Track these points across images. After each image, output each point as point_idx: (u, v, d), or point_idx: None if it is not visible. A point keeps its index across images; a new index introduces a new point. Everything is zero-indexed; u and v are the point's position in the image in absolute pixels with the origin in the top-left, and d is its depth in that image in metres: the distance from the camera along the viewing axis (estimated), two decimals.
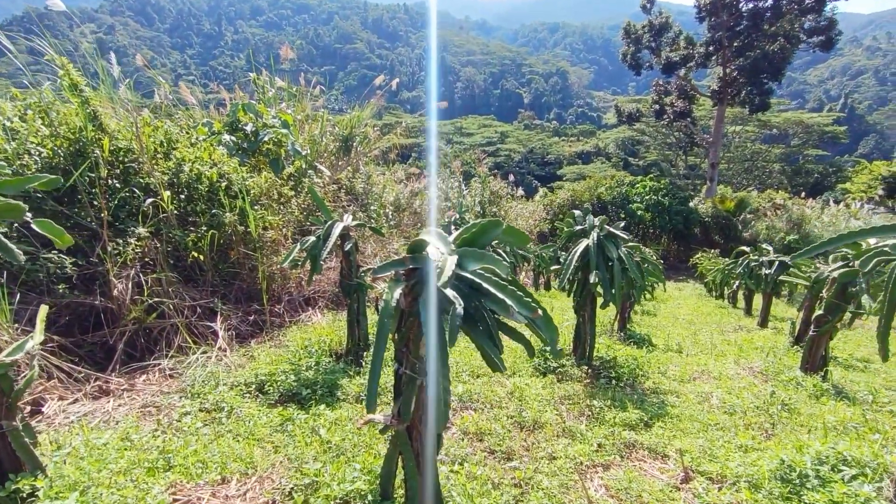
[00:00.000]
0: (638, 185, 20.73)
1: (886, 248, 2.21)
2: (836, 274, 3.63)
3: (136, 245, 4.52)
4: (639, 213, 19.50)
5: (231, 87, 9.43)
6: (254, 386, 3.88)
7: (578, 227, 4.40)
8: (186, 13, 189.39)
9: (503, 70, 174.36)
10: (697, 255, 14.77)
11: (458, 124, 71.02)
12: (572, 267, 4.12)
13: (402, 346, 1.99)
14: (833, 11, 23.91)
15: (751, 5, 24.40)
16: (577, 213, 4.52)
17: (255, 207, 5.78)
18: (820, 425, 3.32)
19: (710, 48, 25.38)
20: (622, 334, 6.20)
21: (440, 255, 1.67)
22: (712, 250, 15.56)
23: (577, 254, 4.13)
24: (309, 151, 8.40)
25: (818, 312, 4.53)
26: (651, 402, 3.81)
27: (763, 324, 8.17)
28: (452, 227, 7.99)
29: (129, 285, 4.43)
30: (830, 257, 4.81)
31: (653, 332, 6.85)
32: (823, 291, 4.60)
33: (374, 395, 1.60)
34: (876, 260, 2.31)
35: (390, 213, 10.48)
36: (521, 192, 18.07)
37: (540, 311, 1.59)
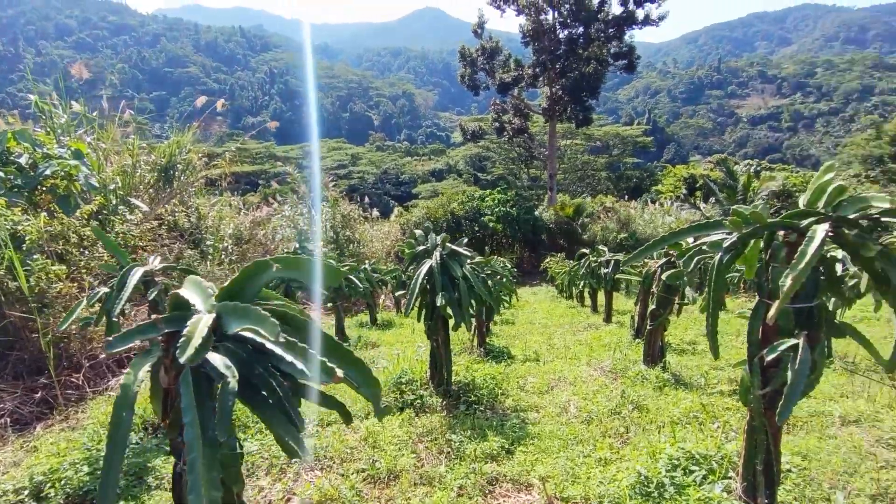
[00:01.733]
0: (488, 199, 21.67)
1: (704, 247, 2.21)
2: (664, 275, 3.83)
3: None
4: (491, 224, 20.34)
5: (33, 115, 7.69)
6: (27, 492, 2.95)
7: (421, 248, 4.15)
8: None
9: (350, 93, 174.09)
10: (547, 260, 15.68)
11: (307, 149, 68.82)
12: (417, 290, 3.84)
13: (176, 436, 1.48)
14: (631, 38, 27.79)
15: (566, 32, 27.34)
16: (418, 232, 4.26)
17: (35, 256, 4.65)
18: (667, 421, 3.40)
19: (537, 70, 27.81)
20: (482, 350, 6.10)
21: (199, 314, 1.22)
22: (559, 254, 16.67)
23: (421, 276, 3.86)
24: (120, 184, 7.21)
25: (652, 307, 4.79)
26: (512, 423, 3.63)
27: (608, 319, 8.73)
28: None
29: None
30: (655, 254, 5.17)
31: (511, 343, 6.88)
32: (653, 287, 4.90)
33: None
34: (697, 258, 2.32)
35: (230, 246, 9.48)
36: (376, 213, 17.89)
37: (341, 374, 1.21)
